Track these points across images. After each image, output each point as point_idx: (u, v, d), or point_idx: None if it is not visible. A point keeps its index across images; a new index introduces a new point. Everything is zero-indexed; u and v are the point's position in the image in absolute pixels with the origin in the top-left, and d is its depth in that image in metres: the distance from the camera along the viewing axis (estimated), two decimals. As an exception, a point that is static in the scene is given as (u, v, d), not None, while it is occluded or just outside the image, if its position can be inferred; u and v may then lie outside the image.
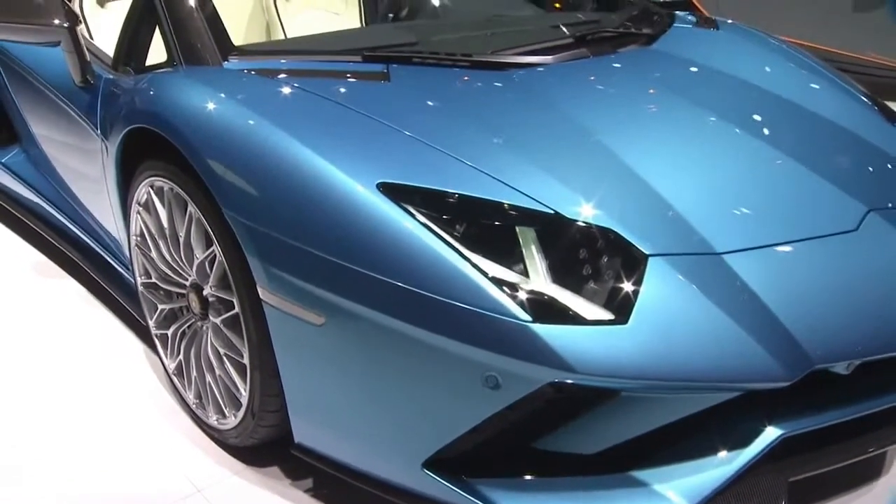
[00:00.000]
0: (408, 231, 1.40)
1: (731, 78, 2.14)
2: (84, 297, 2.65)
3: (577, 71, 2.05)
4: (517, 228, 1.43)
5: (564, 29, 2.42)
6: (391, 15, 3.26)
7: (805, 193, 1.70)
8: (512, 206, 1.46)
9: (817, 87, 2.21)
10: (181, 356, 1.95)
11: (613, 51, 2.23)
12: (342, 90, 1.77)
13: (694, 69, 2.18)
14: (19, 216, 3.04)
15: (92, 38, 2.86)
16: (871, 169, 1.88)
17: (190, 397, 1.95)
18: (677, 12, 2.79)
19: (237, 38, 3.58)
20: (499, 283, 1.35)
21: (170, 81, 1.85)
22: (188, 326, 1.92)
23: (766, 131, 1.89)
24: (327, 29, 3.52)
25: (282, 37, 3.43)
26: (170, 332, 1.97)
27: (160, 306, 2.00)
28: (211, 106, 1.70)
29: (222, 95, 1.71)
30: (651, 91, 2.01)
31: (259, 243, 1.54)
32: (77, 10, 2.91)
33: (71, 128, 2.36)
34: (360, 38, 2.33)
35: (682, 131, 1.84)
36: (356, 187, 1.45)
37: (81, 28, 2.12)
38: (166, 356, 2.03)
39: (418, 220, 1.41)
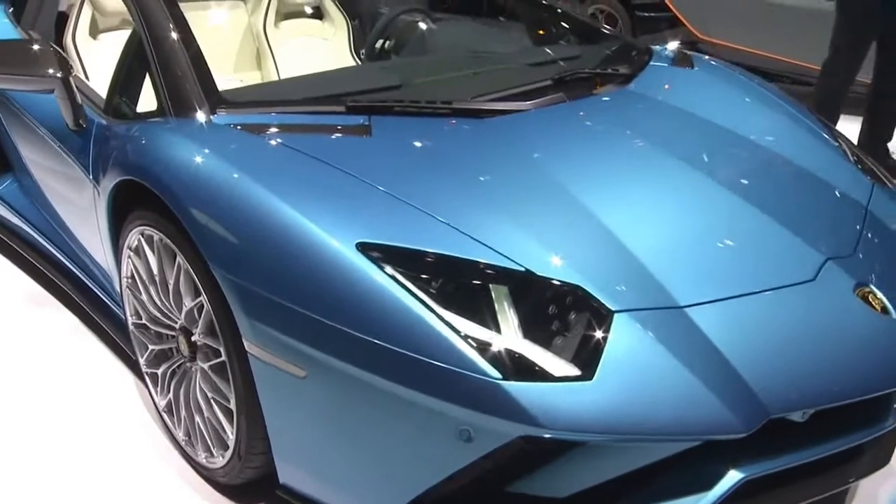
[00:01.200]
0: (385, 290, 1.46)
1: (703, 122, 2.20)
2: (76, 328, 2.69)
3: (553, 118, 2.10)
4: (491, 286, 1.50)
5: (543, 69, 2.49)
6: (380, 41, 3.31)
7: (767, 243, 1.76)
8: (486, 265, 1.53)
9: (785, 129, 2.28)
10: (171, 395, 2.01)
11: (590, 93, 2.30)
12: (325, 146, 1.82)
13: (667, 114, 2.24)
14: (13, 245, 3.08)
15: (85, 70, 2.92)
16: (832, 215, 1.95)
17: (180, 435, 2.01)
18: (655, 47, 2.85)
19: (228, 64, 3.67)
20: (471, 340, 1.41)
21: (159, 135, 1.91)
22: (178, 367, 1.98)
23: (733, 179, 1.95)
24: (317, 55, 3.59)
25: (271, 63, 3.49)
26: (160, 372, 2.03)
27: (150, 346, 2.06)
28: (198, 162, 1.76)
29: (209, 152, 1.77)
30: (623, 138, 2.06)
31: (243, 297, 1.60)
32: (70, 42, 2.97)
33: (63, 168, 2.41)
34: (346, 81, 2.38)
35: (651, 181, 1.90)
36: (336, 247, 1.52)
37: (74, 75, 2.16)
38: (157, 394, 2.09)
39: (395, 280, 1.47)
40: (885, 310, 1.68)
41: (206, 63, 2.06)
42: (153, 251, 1.90)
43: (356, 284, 1.49)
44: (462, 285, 1.51)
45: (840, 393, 1.55)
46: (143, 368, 2.12)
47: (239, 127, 1.88)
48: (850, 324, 1.64)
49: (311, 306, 1.51)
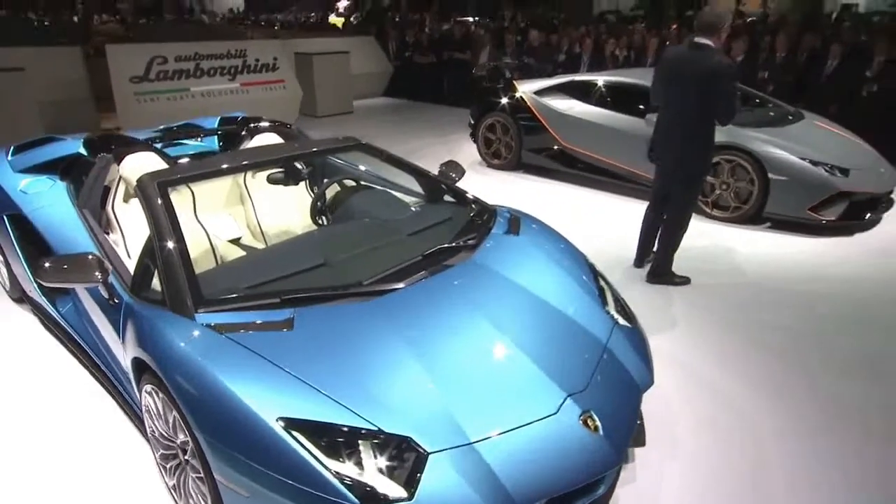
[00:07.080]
0: (292, 448, 1.85)
1: (513, 287, 2.51)
2: (120, 418, 2.97)
3: (417, 294, 2.35)
4: (360, 442, 1.88)
5: (420, 239, 2.79)
6: (319, 202, 3.59)
7: (532, 386, 2.11)
8: (356, 428, 1.89)
9: (564, 286, 2.61)
10: (175, 480, 2.37)
11: (445, 266, 2.57)
12: (259, 340, 2.09)
13: (491, 283, 2.52)
14: (74, 351, 3.38)
15: (121, 227, 3.22)
16: (578, 358, 2.28)
17: (182, 506, 2.39)
18: (498, 208, 3.17)
19: (220, 204, 3.96)
20: (343, 479, 1.81)
21: (160, 327, 2.21)
22: (179, 464, 2.33)
23: (520, 335, 2.27)
24: (282, 195, 3.91)
25: (249, 203, 3.79)
26: (167, 465, 2.39)
27: (161, 449, 2.41)
28: (180, 351, 2.09)
29: (186, 345, 2.10)
30: (457, 307, 2.33)
31: (208, 444, 1.96)
32: (110, 209, 3.27)
33: (102, 321, 2.74)
34: (286, 259, 2.65)
35: (466, 342, 2.20)
36: (265, 420, 1.88)
37: (108, 277, 2.47)
38: (167, 477, 2.44)
39: (297, 441, 1.85)
40: (596, 429, 2.07)
41: (195, 274, 2.34)
42: (159, 400, 2.26)
43: (275, 443, 1.86)
44: (341, 441, 1.88)
45: (564, 487, 1.97)
46: (157, 460, 2.47)
47: (210, 325, 2.18)
48: (574, 442, 2.02)
49: (249, 455, 1.88)
